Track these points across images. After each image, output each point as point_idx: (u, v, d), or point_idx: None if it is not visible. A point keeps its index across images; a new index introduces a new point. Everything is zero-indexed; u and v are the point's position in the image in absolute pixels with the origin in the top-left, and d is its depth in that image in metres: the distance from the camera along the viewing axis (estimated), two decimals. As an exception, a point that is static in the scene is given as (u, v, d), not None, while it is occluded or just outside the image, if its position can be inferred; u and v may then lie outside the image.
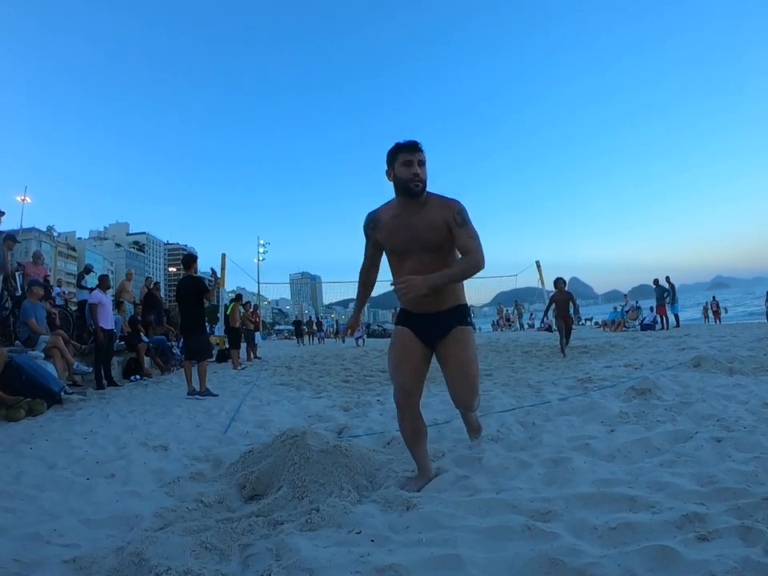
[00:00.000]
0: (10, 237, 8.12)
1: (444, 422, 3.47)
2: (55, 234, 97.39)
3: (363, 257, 2.45)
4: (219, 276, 14.30)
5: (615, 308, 19.73)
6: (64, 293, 10.29)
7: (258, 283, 23.64)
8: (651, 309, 15.93)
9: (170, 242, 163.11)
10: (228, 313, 10.75)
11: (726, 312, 25.04)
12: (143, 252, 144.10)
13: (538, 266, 21.32)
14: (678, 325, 15.20)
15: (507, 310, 25.60)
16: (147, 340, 8.52)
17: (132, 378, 7.75)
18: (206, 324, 7.93)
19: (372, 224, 2.29)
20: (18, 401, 4.56)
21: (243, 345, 11.49)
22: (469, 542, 1.59)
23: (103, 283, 7.29)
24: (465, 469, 2.37)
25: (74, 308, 9.38)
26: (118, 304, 8.73)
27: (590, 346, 9.35)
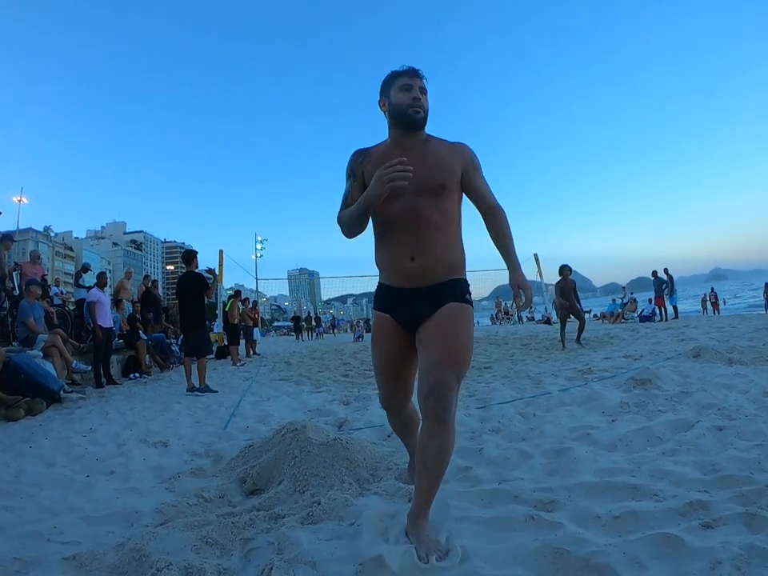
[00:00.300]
0: (7, 237, 8.09)
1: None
2: (52, 234, 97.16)
3: (340, 207, 1.85)
4: (217, 273, 14.30)
5: (614, 300, 19.78)
6: (62, 292, 10.25)
7: (257, 280, 23.61)
8: (650, 300, 15.96)
9: (167, 240, 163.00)
10: (227, 309, 10.73)
11: (725, 303, 25.11)
12: (140, 250, 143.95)
13: (536, 259, 21.31)
14: (676, 316, 15.23)
15: (506, 304, 25.61)
16: (146, 338, 8.50)
17: (131, 375, 7.73)
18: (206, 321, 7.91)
19: (361, 158, 1.84)
20: (17, 400, 4.54)
21: (242, 341, 11.47)
22: (472, 532, 1.58)
23: (101, 281, 7.26)
24: (466, 460, 2.36)
25: (72, 307, 9.34)
26: (116, 302, 8.70)
27: (589, 338, 9.34)
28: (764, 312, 16.96)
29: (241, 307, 11.27)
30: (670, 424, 2.61)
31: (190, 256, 6.21)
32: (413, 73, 1.77)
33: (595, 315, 21.02)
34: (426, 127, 1.81)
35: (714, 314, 19.63)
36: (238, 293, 11.38)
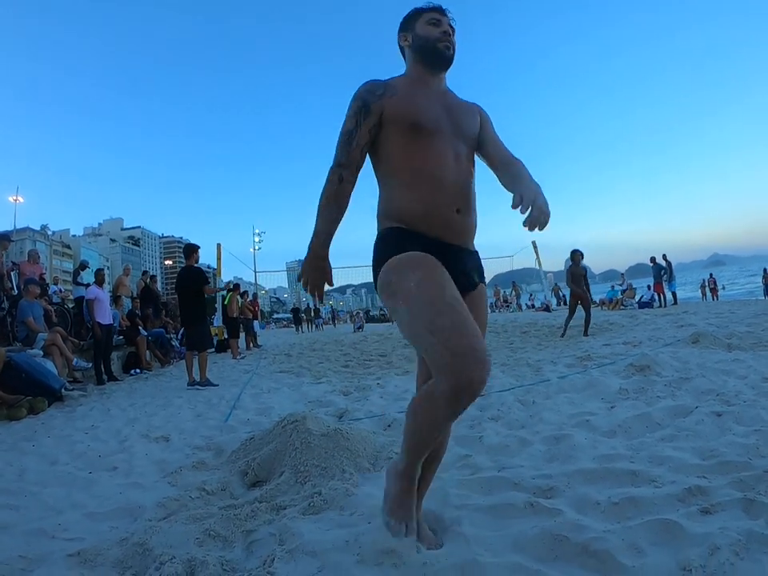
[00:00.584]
0: (5, 237, 8.04)
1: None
2: (49, 233, 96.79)
3: (340, 154, 1.49)
4: (215, 267, 14.28)
5: (612, 287, 19.80)
6: (60, 290, 10.24)
7: (255, 272, 23.61)
8: (648, 287, 15.97)
9: (165, 235, 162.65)
10: (226, 303, 10.74)
11: (724, 289, 25.15)
12: (138, 246, 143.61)
13: (535, 247, 21.28)
14: (675, 302, 15.26)
15: (504, 292, 25.63)
16: (146, 333, 8.51)
17: (132, 371, 7.76)
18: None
19: (381, 90, 1.50)
20: (18, 400, 4.55)
21: (242, 335, 11.49)
22: (472, 520, 1.60)
23: (98, 278, 7.26)
24: (466, 448, 2.38)
25: (71, 305, 9.34)
26: (115, 299, 8.70)
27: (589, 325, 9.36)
28: (762, 297, 17.01)
29: (240, 300, 11.28)
30: (668, 410, 2.62)
31: (190, 250, 6.19)
32: (440, 10, 1.58)
33: (594, 302, 21.05)
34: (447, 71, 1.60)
35: (713, 299, 19.68)
36: (236, 286, 11.38)
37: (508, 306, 24.06)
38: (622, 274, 19.83)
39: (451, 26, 1.57)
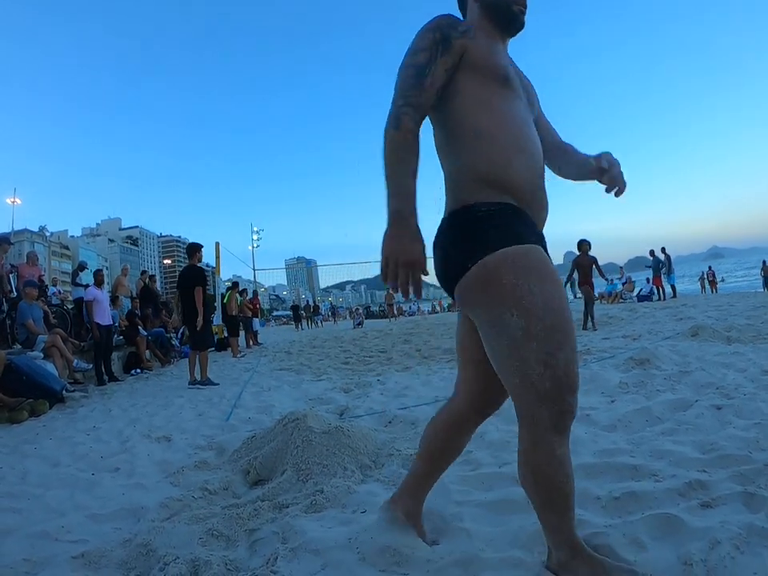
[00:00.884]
0: (5, 240, 8.01)
1: (445, 398, 3.47)
2: (47, 234, 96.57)
3: (410, 92, 1.15)
4: (214, 266, 14.26)
5: (612, 280, 19.81)
6: (59, 292, 10.23)
7: (254, 270, 23.62)
8: (647, 280, 15.99)
9: (163, 235, 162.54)
10: (225, 301, 10.74)
11: (723, 281, 25.16)
12: (137, 246, 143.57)
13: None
14: (674, 295, 15.27)
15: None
16: (146, 333, 8.51)
17: (133, 371, 7.77)
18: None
19: (464, 27, 1.23)
20: (20, 402, 4.55)
21: (242, 333, 11.49)
22: (473, 515, 1.60)
23: (97, 279, 7.25)
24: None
25: (70, 306, 9.34)
26: (113, 299, 8.69)
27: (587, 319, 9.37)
28: (762, 290, 17.02)
29: (239, 298, 11.28)
30: (668, 404, 2.63)
31: (193, 249, 6.20)
32: None
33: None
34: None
35: (712, 292, 19.69)
36: (235, 284, 11.37)
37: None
38: (621, 267, 19.85)
39: None
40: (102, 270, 7.78)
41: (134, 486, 2.36)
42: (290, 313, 34.43)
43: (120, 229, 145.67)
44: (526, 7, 1.32)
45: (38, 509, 2.14)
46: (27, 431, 3.92)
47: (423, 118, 1.18)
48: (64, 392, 5.21)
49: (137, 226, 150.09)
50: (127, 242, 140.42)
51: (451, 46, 1.19)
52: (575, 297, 15.23)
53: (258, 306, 14.17)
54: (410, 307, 34.98)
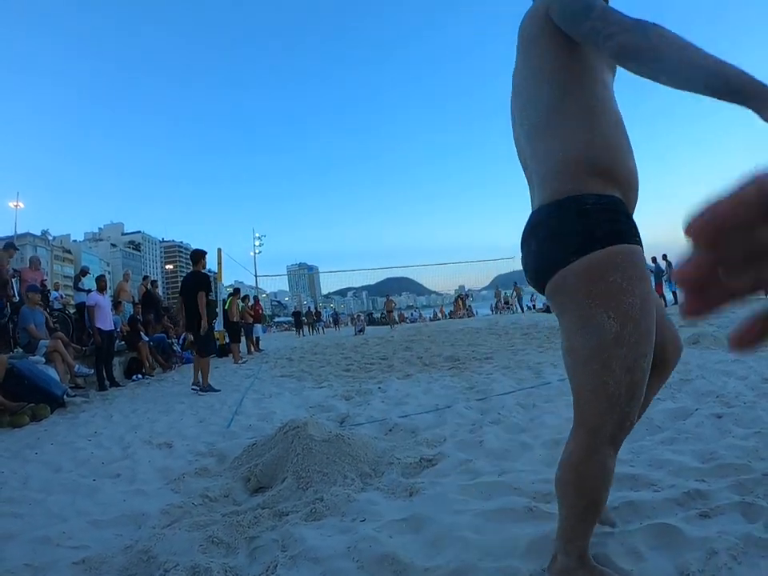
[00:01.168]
0: (10, 245, 8.05)
1: (445, 406, 3.49)
2: (50, 238, 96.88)
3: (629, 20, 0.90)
4: (216, 271, 14.31)
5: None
6: (62, 296, 10.25)
7: (256, 276, 23.66)
8: (649, 287, 15.96)
9: (165, 240, 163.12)
10: (226, 308, 10.76)
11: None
12: (139, 251, 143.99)
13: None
14: (675, 302, 15.26)
15: (505, 293, 25.62)
16: (147, 339, 8.53)
17: (134, 377, 7.77)
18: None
19: None
20: (21, 407, 4.56)
21: (243, 339, 11.50)
22: (473, 524, 1.61)
23: (100, 284, 7.29)
24: (467, 453, 2.39)
25: (72, 311, 9.36)
26: (115, 304, 8.72)
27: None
28: (763, 297, 17.00)
29: (240, 305, 11.30)
30: (668, 412, 2.64)
31: (198, 256, 6.21)
32: None
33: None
34: None
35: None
36: (236, 291, 11.40)
37: (509, 308, 24.05)
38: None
39: None
40: (104, 276, 7.80)
41: (135, 493, 2.36)
42: (291, 319, 34.46)
43: (122, 234, 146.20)
44: None
45: (39, 514, 2.15)
46: (28, 436, 3.93)
47: None
48: (65, 397, 5.22)
49: (139, 231, 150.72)
50: (129, 247, 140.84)
51: None
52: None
53: (260, 311, 14.18)
54: (411, 314, 34.97)
